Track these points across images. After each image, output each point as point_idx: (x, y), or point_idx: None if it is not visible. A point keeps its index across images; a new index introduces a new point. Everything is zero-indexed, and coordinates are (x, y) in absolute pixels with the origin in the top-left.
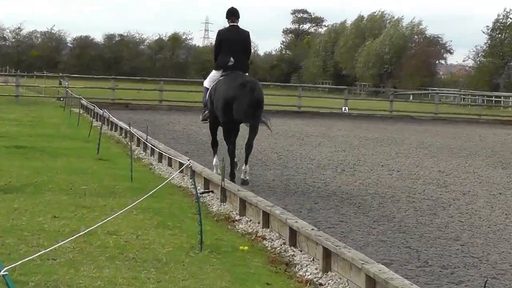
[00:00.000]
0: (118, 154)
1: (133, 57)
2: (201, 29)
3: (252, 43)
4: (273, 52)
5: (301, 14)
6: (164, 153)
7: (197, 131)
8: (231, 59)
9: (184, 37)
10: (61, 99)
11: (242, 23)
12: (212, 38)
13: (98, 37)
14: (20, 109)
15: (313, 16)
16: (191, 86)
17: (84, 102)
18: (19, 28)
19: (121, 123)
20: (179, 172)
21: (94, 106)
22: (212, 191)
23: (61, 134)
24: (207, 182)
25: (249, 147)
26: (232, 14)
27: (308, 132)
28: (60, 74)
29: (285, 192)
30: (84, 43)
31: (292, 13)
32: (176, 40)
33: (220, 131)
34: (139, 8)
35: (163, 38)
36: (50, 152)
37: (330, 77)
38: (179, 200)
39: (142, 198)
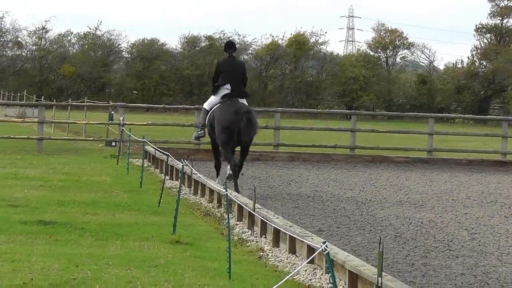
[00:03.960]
0: (207, 234)
1: None
2: (342, 26)
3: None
4: (459, 64)
5: (506, 2)
6: (283, 231)
7: (337, 195)
8: (228, 86)
9: (313, 39)
10: (113, 144)
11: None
12: (359, 41)
13: (172, 41)
14: (46, 161)
15: None
16: (328, 121)
17: (150, 148)
18: (43, 28)
19: (211, 183)
20: (307, 263)
21: (167, 155)
22: None
23: (114, 201)
24: (353, 278)
25: (240, 167)
26: (230, 47)
27: None
28: (111, 103)
29: None
30: (149, 51)
31: (490, 0)
32: (300, 44)
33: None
34: None
35: (280, 41)
36: (95, 232)
37: None
38: None
39: None
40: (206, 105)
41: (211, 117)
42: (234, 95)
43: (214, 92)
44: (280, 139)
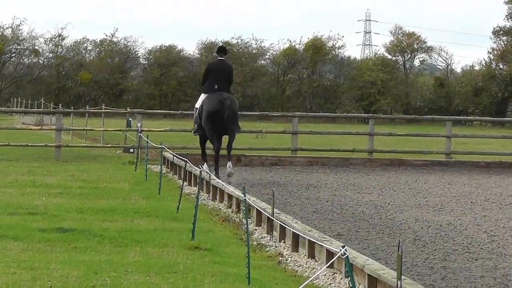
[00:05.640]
0: (226, 240)
1: (247, 79)
2: (359, 30)
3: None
4: (476, 67)
5: None
6: (302, 236)
7: (356, 199)
8: (216, 86)
9: (330, 44)
10: (131, 150)
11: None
12: (376, 45)
13: (189, 47)
14: (64, 168)
15: None
16: (345, 124)
17: (168, 154)
18: (60, 36)
19: (230, 188)
20: (327, 267)
21: (185, 161)
22: None
23: (132, 208)
24: (372, 282)
25: (229, 147)
26: (221, 51)
27: None
28: (128, 110)
29: None
30: (166, 57)
31: (507, 3)
32: (318, 49)
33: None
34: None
35: (297, 46)
36: (114, 239)
37: None
38: None
39: None
40: (197, 105)
41: (200, 109)
42: (220, 90)
43: (205, 91)
44: (299, 144)
